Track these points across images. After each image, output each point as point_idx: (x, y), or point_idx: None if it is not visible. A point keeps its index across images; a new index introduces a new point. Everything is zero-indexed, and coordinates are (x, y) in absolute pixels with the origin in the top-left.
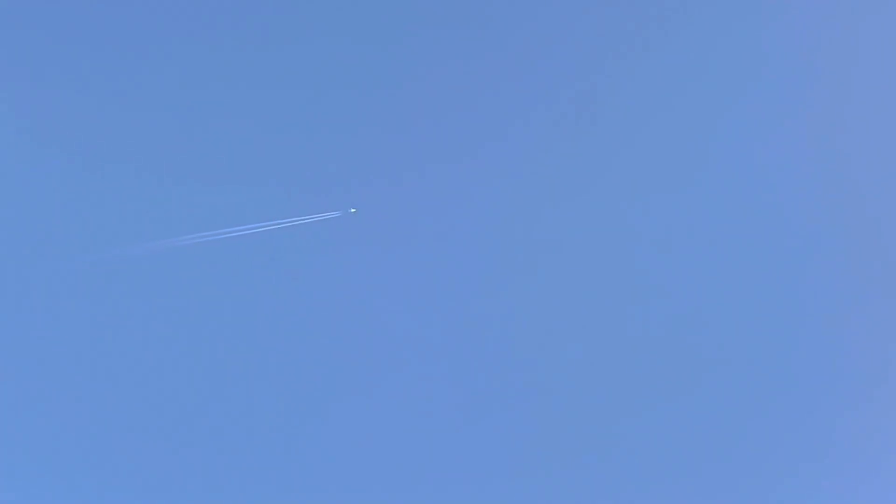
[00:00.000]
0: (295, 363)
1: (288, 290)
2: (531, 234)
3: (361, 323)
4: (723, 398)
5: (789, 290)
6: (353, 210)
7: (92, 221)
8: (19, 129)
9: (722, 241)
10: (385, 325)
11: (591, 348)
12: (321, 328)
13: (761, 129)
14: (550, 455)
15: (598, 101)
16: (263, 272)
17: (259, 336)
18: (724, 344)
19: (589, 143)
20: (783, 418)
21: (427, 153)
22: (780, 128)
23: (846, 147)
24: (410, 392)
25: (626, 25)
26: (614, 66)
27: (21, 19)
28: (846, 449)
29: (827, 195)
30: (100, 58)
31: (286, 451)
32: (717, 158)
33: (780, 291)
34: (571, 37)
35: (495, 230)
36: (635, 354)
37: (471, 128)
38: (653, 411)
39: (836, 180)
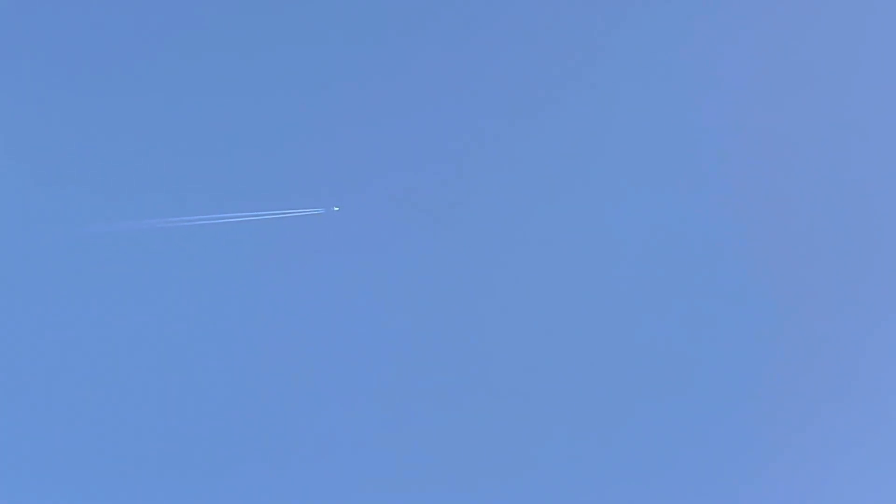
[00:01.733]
0: (267, 355)
1: (264, 279)
2: (524, 233)
3: (341, 319)
4: (719, 400)
5: (786, 289)
6: (336, 208)
7: (67, 204)
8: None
9: (716, 241)
10: (368, 323)
11: (582, 347)
12: (297, 322)
13: (755, 128)
14: (540, 455)
15: (591, 99)
16: (243, 262)
17: (230, 325)
18: (719, 345)
19: (582, 141)
20: (779, 421)
21: (418, 152)
22: (776, 126)
23: (844, 147)
24: (400, 392)
25: (619, 22)
26: (607, 64)
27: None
28: (845, 449)
29: (824, 194)
30: (88, 50)
31: (262, 450)
32: (711, 156)
33: (776, 290)
34: (562, 34)
35: (488, 229)
36: (634, 356)
37: (461, 126)
38: (650, 412)
39: (834, 179)
